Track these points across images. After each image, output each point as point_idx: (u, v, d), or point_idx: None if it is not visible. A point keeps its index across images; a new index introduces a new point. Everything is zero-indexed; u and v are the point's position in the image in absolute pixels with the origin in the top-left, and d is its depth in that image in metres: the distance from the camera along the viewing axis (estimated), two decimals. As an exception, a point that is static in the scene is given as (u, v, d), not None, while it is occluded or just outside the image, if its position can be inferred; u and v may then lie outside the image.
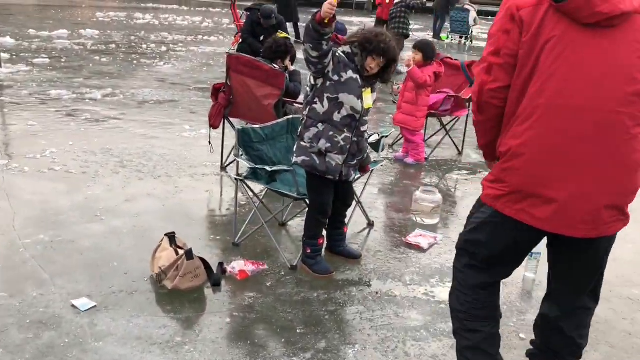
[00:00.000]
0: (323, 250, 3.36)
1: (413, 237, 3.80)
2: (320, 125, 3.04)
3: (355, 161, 3.20)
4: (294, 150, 3.16)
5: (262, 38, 7.91)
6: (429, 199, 4.13)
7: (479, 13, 16.09)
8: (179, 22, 16.15)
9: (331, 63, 2.95)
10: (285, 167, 3.14)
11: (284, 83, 4.46)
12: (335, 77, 2.98)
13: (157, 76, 8.66)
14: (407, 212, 4.31)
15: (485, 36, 13.11)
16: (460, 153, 5.89)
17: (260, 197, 3.69)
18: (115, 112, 6.48)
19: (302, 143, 3.10)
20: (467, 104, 5.69)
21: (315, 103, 3.04)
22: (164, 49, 11.22)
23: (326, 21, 2.75)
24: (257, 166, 3.14)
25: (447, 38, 16.28)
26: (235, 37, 11.63)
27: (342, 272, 3.34)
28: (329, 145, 3.04)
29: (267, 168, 3.08)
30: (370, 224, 4.01)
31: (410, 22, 10.28)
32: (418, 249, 3.71)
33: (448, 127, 5.78)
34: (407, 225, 4.10)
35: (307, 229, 3.26)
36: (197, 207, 4.13)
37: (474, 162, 5.73)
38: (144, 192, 4.29)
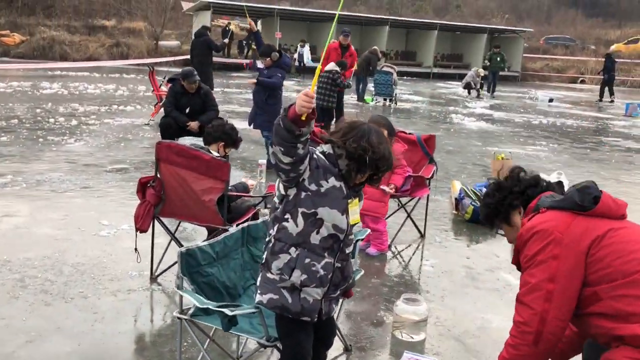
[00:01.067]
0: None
1: (405, 367, 3.06)
2: (293, 250, 2.29)
3: (338, 292, 2.46)
4: (258, 283, 2.38)
5: (187, 110, 7.19)
6: (413, 310, 3.43)
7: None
8: (91, 90, 15.04)
9: (307, 169, 2.24)
10: (250, 310, 2.33)
11: (228, 174, 3.70)
12: (313, 187, 2.26)
13: (67, 156, 7.61)
14: (385, 325, 3.58)
15: (406, 97, 13.11)
16: (422, 236, 5.29)
17: (211, 334, 2.83)
18: (15, 206, 5.40)
19: (270, 275, 2.33)
20: (428, 182, 5.15)
21: (287, 220, 2.29)
22: (74, 122, 10.14)
23: (303, 118, 2.06)
24: (213, 307, 2.31)
25: (372, 101, 16.19)
26: (155, 107, 10.82)
27: None
28: (305, 277, 2.29)
29: (227, 312, 2.26)
30: (348, 349, 3.24)
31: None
32: (414, 382, 2.97)
33: (408, 208, 5.18)
34: (390, 344, 3.36)
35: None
36: (124, 343, 3.19)
37: (438, 244, 5.14)
38: (53, 326, 3.31)
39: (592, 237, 1.95)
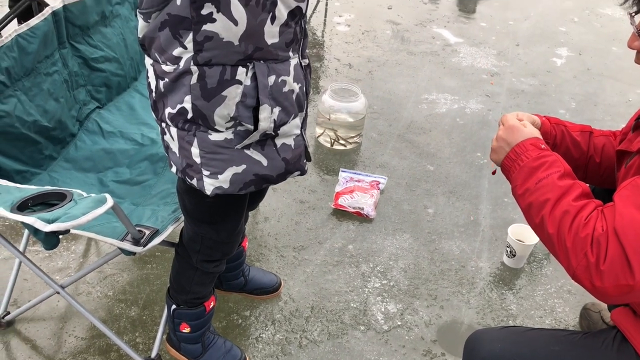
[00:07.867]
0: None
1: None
2: (241, 71, 1.07)
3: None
4: (171, 155, 1.18)
5: None
6: (347, 108, 2.40)
7: None
8: None
9: None
10: (103, 205, 1.11)
11: None
12: None
13: None
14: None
15: None
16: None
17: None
18: None
19: (214, 136, 1.12)
20: None
21: (210, 19, 1.00)
22: None
23: None
24: (7, 212, 1.08)
25: None
26: None
27: (263, 339, 1.63)
28: (278, 109, 1.13)
29: (40, 223, 1.04)
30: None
31: None
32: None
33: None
34: (318, 156, 2.39)
35: (182, 285, 1.42)
36: None
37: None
38: None
39: None
